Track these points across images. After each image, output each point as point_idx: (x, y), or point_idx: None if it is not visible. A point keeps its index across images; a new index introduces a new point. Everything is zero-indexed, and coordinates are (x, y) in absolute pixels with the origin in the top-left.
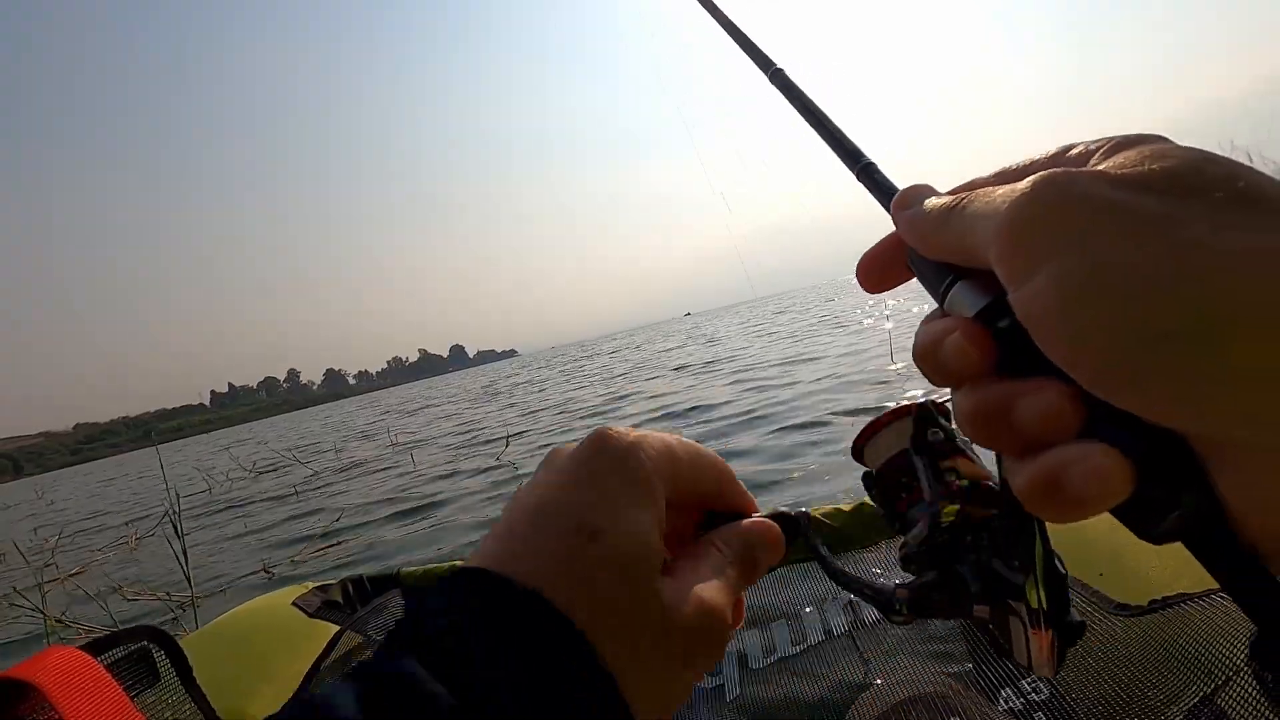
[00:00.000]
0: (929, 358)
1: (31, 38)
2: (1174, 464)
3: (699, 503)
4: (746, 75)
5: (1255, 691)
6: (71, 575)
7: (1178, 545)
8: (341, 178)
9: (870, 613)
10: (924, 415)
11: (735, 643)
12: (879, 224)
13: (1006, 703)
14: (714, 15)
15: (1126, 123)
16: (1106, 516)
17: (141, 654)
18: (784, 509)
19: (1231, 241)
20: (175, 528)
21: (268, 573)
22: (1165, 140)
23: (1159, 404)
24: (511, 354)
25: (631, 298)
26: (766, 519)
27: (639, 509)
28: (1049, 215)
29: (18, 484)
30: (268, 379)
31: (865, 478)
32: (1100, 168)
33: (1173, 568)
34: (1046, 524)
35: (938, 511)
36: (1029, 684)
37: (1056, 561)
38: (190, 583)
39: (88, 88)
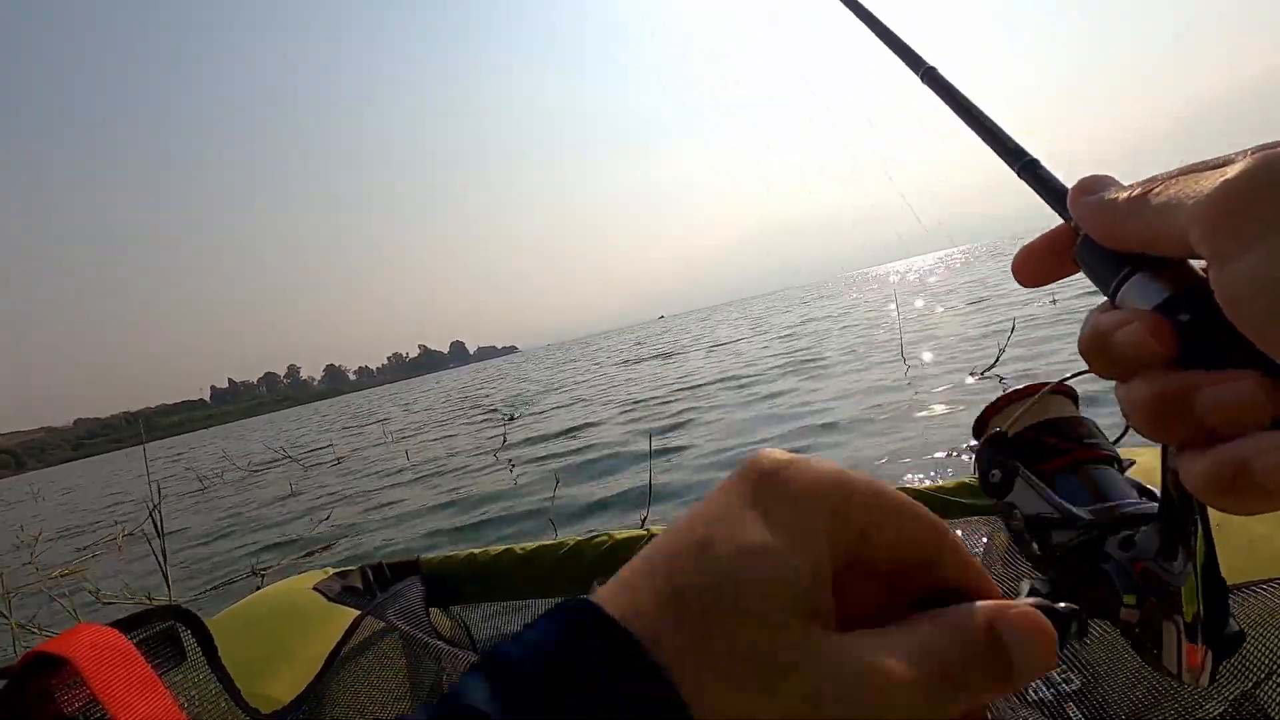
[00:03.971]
0: (1099, 348)
1: (32, 37)
2: None
3: (903, 569)
4: (745, 77)
5: None
6: (50, 579)
7: (1221, 537)
8: (343, 174)
9: None
10: None
11: None
12: (876, 223)
13: (1035, 693)
14: (861, 17)
15: (1128, 121)
16: None
17: (169, 634)
18: (1043, 598)
19: None
20: (157, 529)
21: (256, 574)
22: None
23: None
24: (512, 350)
25: (612, 300)
26: (1025, 606)
27: (770, 524)
28: (1276, 188)
29: (18, 479)
30: (268, 375)
31: (983, 452)
32: None
33: None
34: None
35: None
36: (1059, 674)
37: (1218, 565)
38: (169, 588)
39: (88, 86)
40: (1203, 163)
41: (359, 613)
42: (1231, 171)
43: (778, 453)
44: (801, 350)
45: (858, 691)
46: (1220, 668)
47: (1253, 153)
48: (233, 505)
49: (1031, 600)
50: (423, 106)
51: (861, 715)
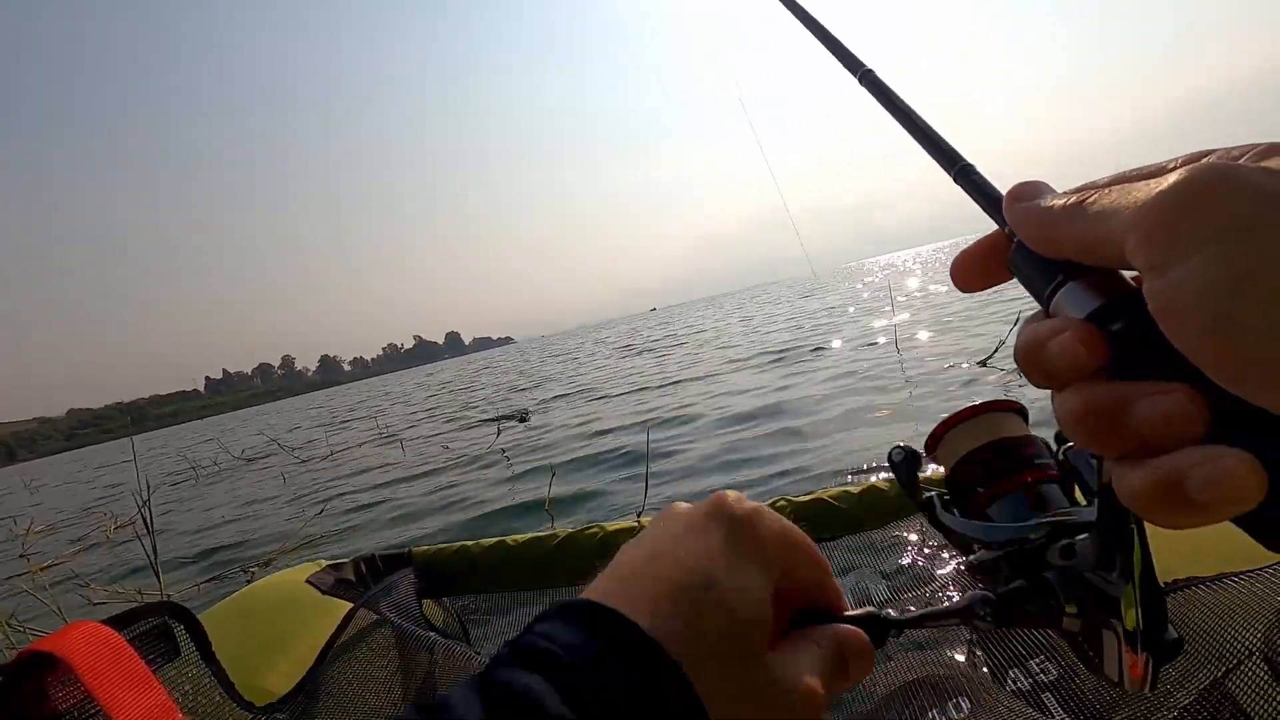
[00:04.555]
0: (1033, 358)
1: (31, 33)
2: None
3: (799, 595)
4: (745, 77)
5: (1266, 676)
6: (42, 569)
7: (1189, 530)
8: (340, 165)
9: (876, 595)
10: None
11: None
12: (871, 219)
13: (1014, 683)
14: (799, 17)
15: (1126, 120)
16: None
17: (162, 629)
18: (873, 609)
19: None
20: (147, 526)
21: (246, 570)
22: None
23: None
24: (507, 341)
25: (605, 292)
26: (857, 620)
27: (754, 573)
28: (1207, 201)
29: (10, 470)
30: (262, 365)
31: (898, 462)
32: (1258, 165)
33: (1184, 551)
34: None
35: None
36: (1037, 665)
37: (1155, 574)
38: (160, 583)
39: (86, 76)
40: (1139, 170)
41: (352, 605)
42: (1165, 182)
43: (742, 500)
44: (796, 342)
45: (810, 711)
46: (1192, 658)
47: (1185, 161)
48: (223, 498)
49: (863, 612)
50: (422, 104)
51: (796, 714)
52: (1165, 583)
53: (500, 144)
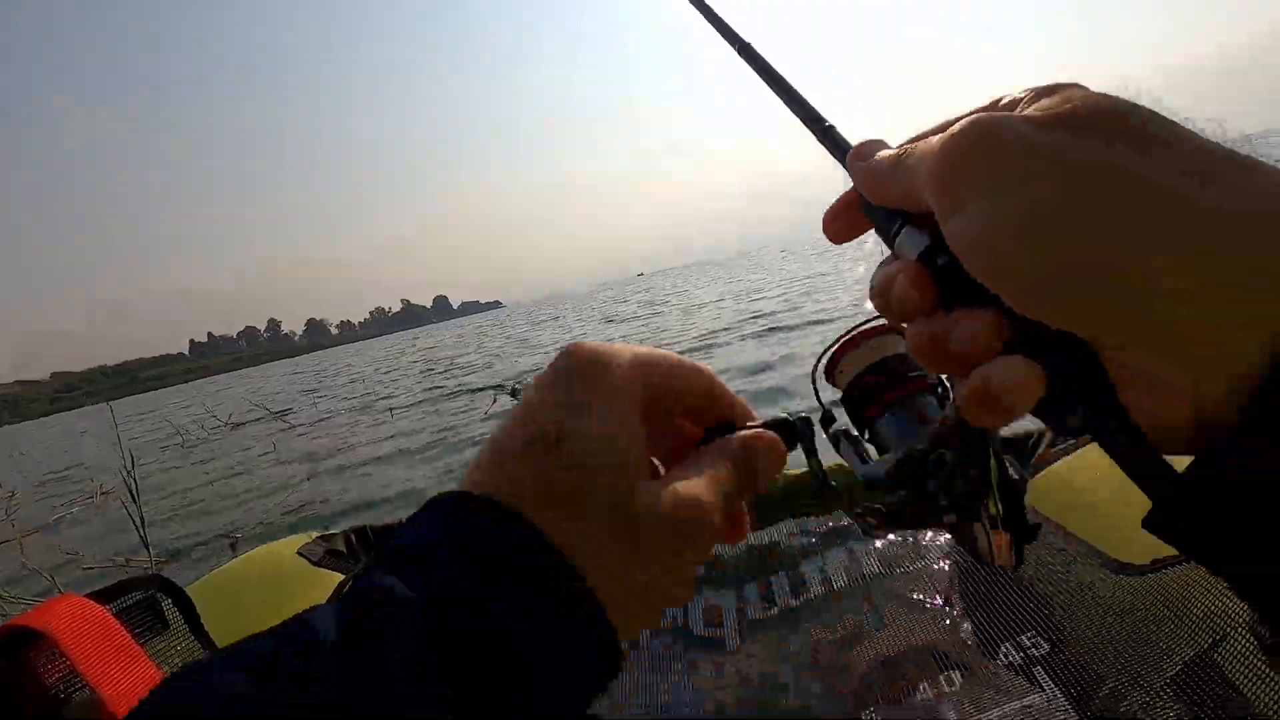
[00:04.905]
0: (882, 300)
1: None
2: (1080, 368)
3: (691, 417)
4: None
5: (1251, 647)
6: (26, 535)
7: None
8: (330, 129)
9: (871, 565)
10: None
11: (735, 593)
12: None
13: (1006, 657)
14: None
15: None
16: (1108, 479)
17: (149, 602)
18: (784, 414)
19: (1138, 172)
20: (133, 494)
21: (228, 537)
22: (1082, 87)
23: (1068, 319)
24: (496, 305)
25: (593, 255)
26: (763, 427)
27: (606, 412)
28: (974, 154)
29: None
30: (248, 329)
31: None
32: (1025, 113)
33: None
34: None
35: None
36: (1028, 639)
37: (1011, 471)
38: (149, 552)
39: (78, 25)
40: (954, 119)
41: (344, 577)
42: (948, 134)
43: (593, 344)
44: (783, 309)
45: (686, 512)
46: (1181, 631)
47: (974, 111)
48: (211, 466)
49: (770, 419)
50: (415, 73)
51: (688, 527)
52: (1157, 559)
53: (491, 113)
